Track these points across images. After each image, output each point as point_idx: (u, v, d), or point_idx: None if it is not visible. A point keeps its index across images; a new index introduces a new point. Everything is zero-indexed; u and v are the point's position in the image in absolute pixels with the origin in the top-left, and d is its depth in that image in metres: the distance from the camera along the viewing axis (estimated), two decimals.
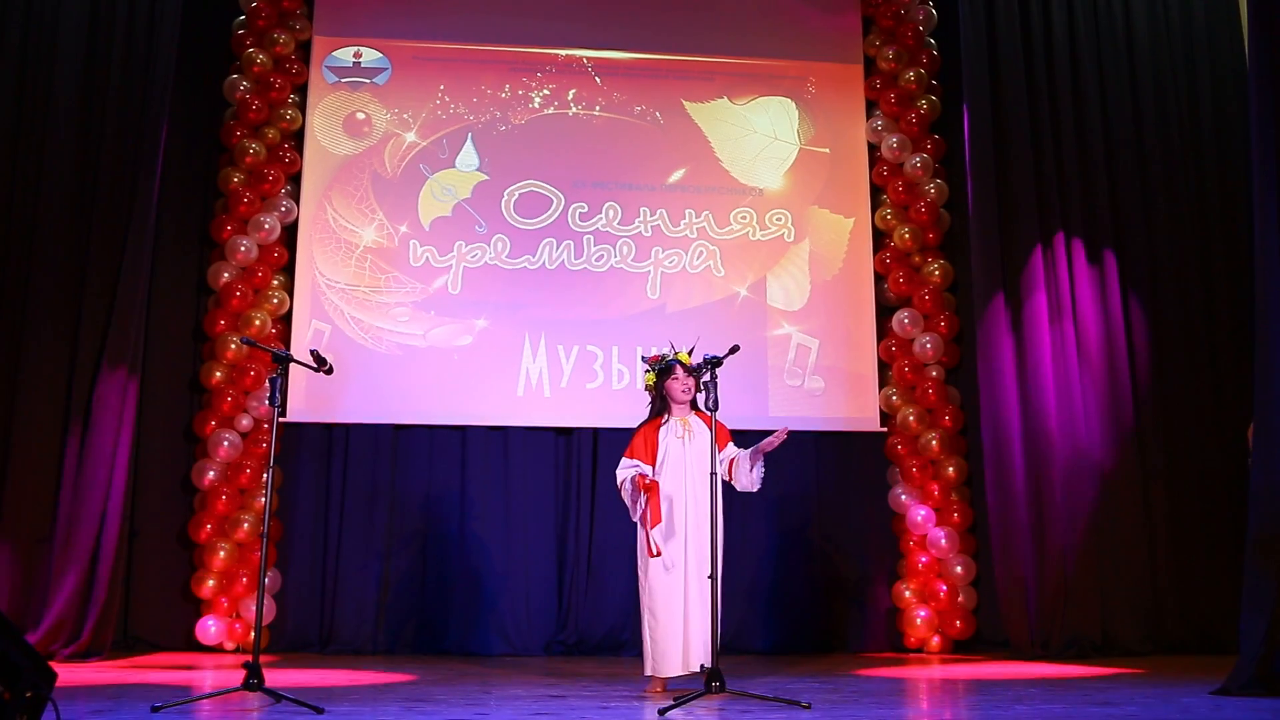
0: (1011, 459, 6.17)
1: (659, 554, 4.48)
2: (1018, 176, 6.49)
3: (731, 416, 4.84)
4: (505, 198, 6.99)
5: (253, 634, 4.40)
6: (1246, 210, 6.02)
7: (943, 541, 6.62)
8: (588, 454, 6.76)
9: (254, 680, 3.97)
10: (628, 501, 4.59)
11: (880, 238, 7.19)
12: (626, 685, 4.75)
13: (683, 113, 7.23)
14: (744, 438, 4.86)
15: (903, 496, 6.79)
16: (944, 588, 6.61)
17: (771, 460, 4.70)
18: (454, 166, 7.01)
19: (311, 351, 4.44)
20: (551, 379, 6.78)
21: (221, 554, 6.26)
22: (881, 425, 6.94)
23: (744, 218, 7.11)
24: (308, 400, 6.60)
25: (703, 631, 4.41)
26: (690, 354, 4.74)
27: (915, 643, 6.63)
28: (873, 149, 7.30)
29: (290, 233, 6.82)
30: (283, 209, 6.78)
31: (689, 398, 4.70)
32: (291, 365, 4.55)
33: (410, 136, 7.01)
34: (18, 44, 6.13)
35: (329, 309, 6.73)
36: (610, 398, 6.74)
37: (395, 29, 7.13)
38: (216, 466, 6.36)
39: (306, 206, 6.84)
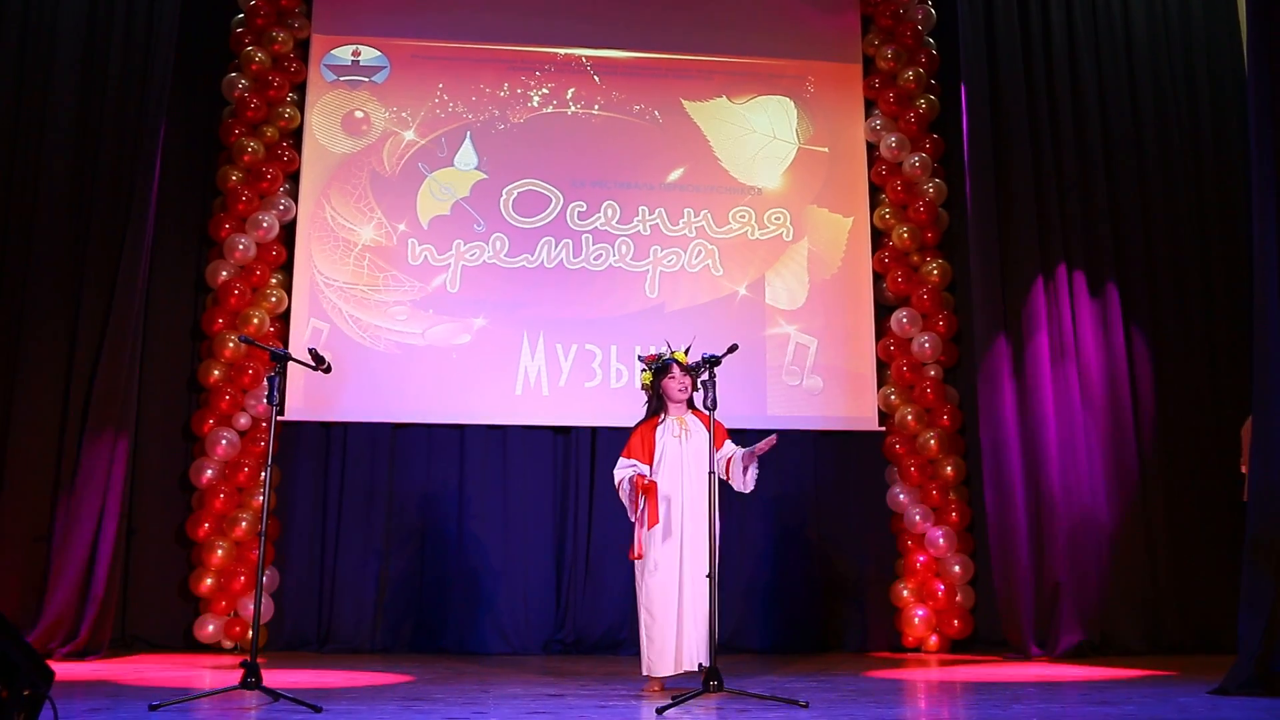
0: (1009, 458, 6.17)
1: (640, 556, 4.50)
2: (1017, 176, 6.48)
3: (730, 415, 4.84)
4: (504, 196, 6.99)
5: (251, 632, 4.40)
6: (1245, 212, 6.03)
7: (941, 541, 6.62)
8: (586, 453, 6.76)
9: (252, 679, 3.97)
10: (625, 501, 4.60)
11: (879, 237, 7.19)
12: (624, 684, 4.76)
13: (681, 112, 7.22)
14: (742, 437, 4.87)
15: (901, 496, 6.79)
16: (942, 587, 6.62)
17: (769, 459, 4.70)
18: (453, 165, 7.01)
19: (310, 350, 4.45)
20: (550, 378, 6.78)
21: (219, 552, 6.26)
22: (880, 424, 6.94)
23: (743, 217, 7.11)
24: (306, 399, 6.59)
25: (700, 630, 4.42)
26: (686, 353, 4.74)
27: (913, 642, 6.63)
28: (871, 148, 7.29)
29: (289, 231, 6.82)
30: (281, 207, 6.78)
31: (685, 397, 4.71)
32: (290, 364, 4.56)
33: (409, 135, 7.00)
34: (16, 43, 6.13)
35: (327, 307, 6.73)
36: (608, 397, 6.74)
37: (394, 27, 7.12)
38: (215, 465, 6.36)
39: (305, 205, 6.83)
